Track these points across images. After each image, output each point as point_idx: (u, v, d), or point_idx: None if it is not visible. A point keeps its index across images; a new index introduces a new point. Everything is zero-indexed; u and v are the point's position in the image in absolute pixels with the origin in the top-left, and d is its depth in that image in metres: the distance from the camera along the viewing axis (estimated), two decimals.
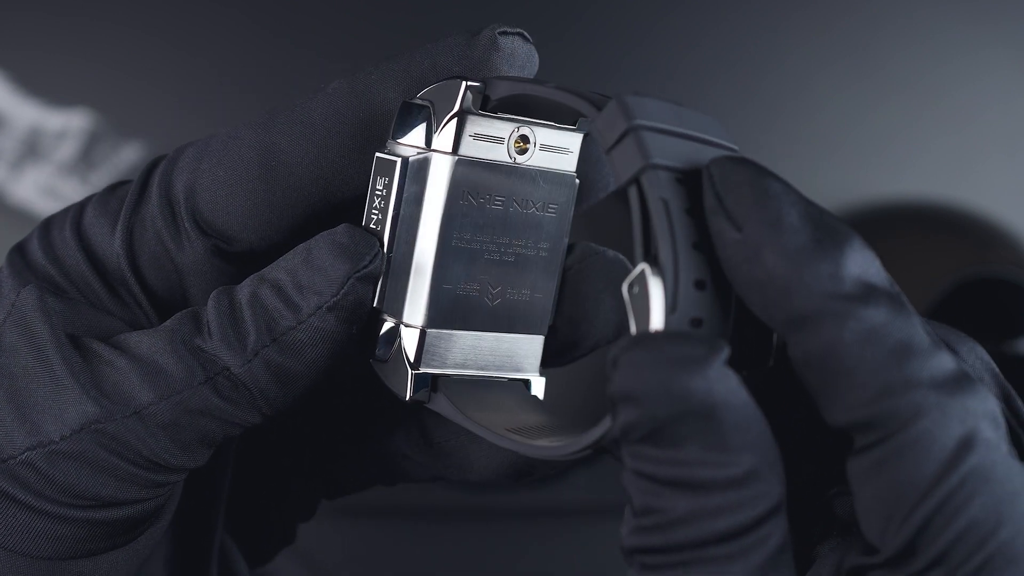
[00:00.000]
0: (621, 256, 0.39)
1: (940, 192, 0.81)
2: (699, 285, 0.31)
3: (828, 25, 0.81)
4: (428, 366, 0.36)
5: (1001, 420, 0.30)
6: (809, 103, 0.81)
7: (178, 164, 0.37)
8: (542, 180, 0.37)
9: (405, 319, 0.36)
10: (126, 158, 0.78)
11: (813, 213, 0.31)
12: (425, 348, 0.36)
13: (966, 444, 0.29)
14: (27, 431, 0.34)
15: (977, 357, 0.33)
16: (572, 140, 0.38)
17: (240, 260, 0.37)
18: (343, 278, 0.35)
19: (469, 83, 0.36)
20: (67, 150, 0.79)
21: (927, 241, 0.75)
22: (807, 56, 0.81)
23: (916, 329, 0.30)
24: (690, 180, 0.32)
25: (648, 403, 0.29)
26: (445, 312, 0.36)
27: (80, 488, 0.34)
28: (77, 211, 0.37)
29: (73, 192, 0.77)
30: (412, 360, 0.36)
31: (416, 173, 0.36)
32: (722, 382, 0.30)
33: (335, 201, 0.37)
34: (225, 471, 0.40)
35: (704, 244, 0.31)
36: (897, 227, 0.78)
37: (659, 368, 0.29)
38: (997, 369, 0.33)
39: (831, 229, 0.31)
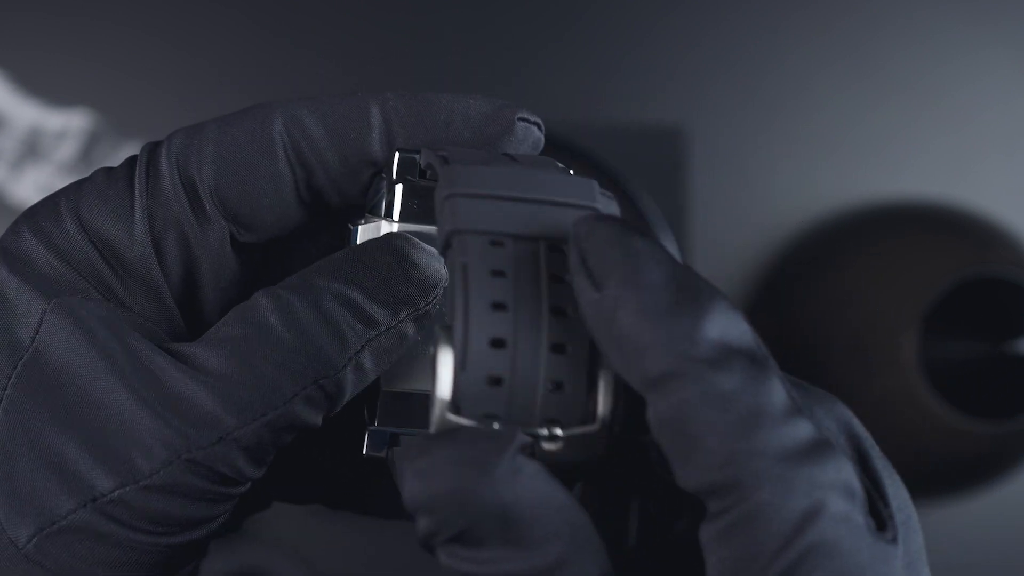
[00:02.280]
0: None
1: (940, 192, 0.81)
2: (496, 343, 0.30)
3: (828, 25, 0.81)
4: (384, 424, 0.36)
5: (858, 490, 0.30)
6: (809, 103, 0.81)
7: (194, 145, 0.36)
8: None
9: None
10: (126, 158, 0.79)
11: (679, 274, 0.31)
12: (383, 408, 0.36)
13: (810, 517, 0.29)
14: (113, 468, 0.33)
15: (835, 419, 0.32)
16: None
17: (248, 252, 0.37)
18: (435, 287, 0.35)
19: (402, 152, 0.36)
20: (67, 150, 0.79)
21: (927, 241, 0.74)
22: (807, 56, 0.81)
23: (771, 396, 0.30)
24: (521, 243, 0.31)
25: (440, 512, 0.30)
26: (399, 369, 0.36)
27: (172, 515, 0.34)
28: (70, 204, 0.36)
29: None
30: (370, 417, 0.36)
31: (363, 238, 0.36)
32: (511, 480, 0.30)
33: (348, 199, 0.37)
34: None
35: (550, 301, 0.31)
36: (897, 227, 0.78)
37: (445, 476, 0.30)
38: (859, 431, 0.33)
39: (695, 290, 0.30)
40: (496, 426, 0.30)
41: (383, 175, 0.36)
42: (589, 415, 0.31)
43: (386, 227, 0.36)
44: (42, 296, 0.34)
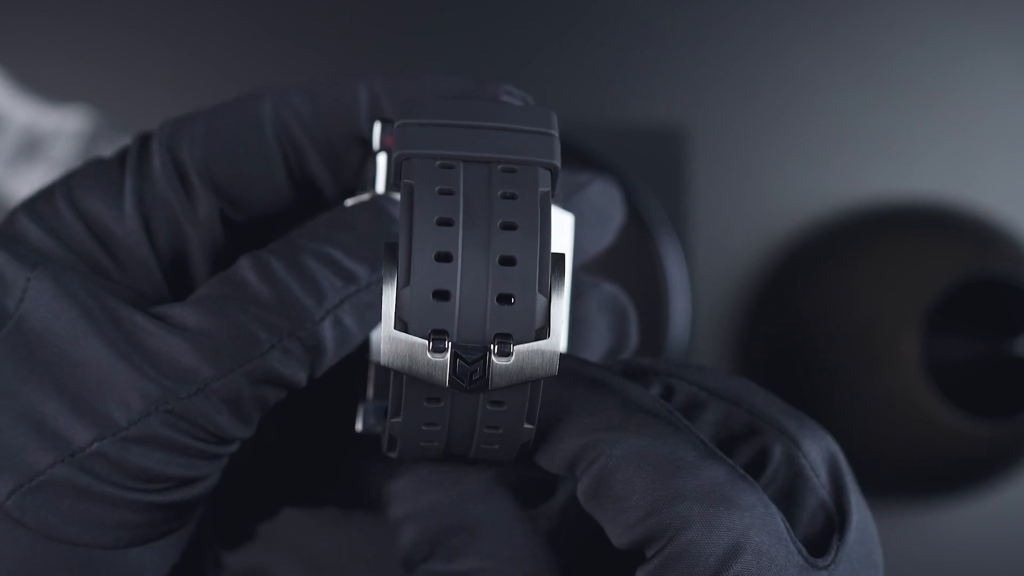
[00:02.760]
0: (617, 289, 0.40)
1: (942, 192, 0.81)
2: (442, 257, 0.30)
3: (829, 25, 0.81)
4: (377, 397, 0.36)
5: (779, 524, 0.32)
6: (810, 103, 0.81)
7: (183, 128, 0.36)
8: None
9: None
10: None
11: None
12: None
13: (733, 552, 0.31)
14: (92, 421, 0.33)
15: (821, 449, 0.34)
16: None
17: (236, 230, 0.37)
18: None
19: (383, 121, 0.36)
20: (65, 148, 0.79)
21: (929, 241, 0.75)
22: (808, 56, 0.81)
23: (683, 445, 0.32)
24: (473, 165, 0.31)
25: (421, 523, 0.33)
26: None
27: (153, 471, 0.33)
28: (64, 188, 0.36)
29: None
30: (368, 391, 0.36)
31: None
32: (485, 497, 0.33)
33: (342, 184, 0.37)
34: None
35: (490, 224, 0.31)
36: (898, 227, 0.78)
37: (426, 493, 0.33)
38: (842, 464, 0.34)
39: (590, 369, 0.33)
40: (446, 344, 0.30)
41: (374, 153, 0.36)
42: (543, 329, 0.30)
43: (367, 196, 0.36)
44: (29, 267, 0.34)
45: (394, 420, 0.31)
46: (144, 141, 0.36)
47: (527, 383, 0.30)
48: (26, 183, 0.78)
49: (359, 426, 0.36)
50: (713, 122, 0.80)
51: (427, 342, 0.30)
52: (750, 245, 0.80)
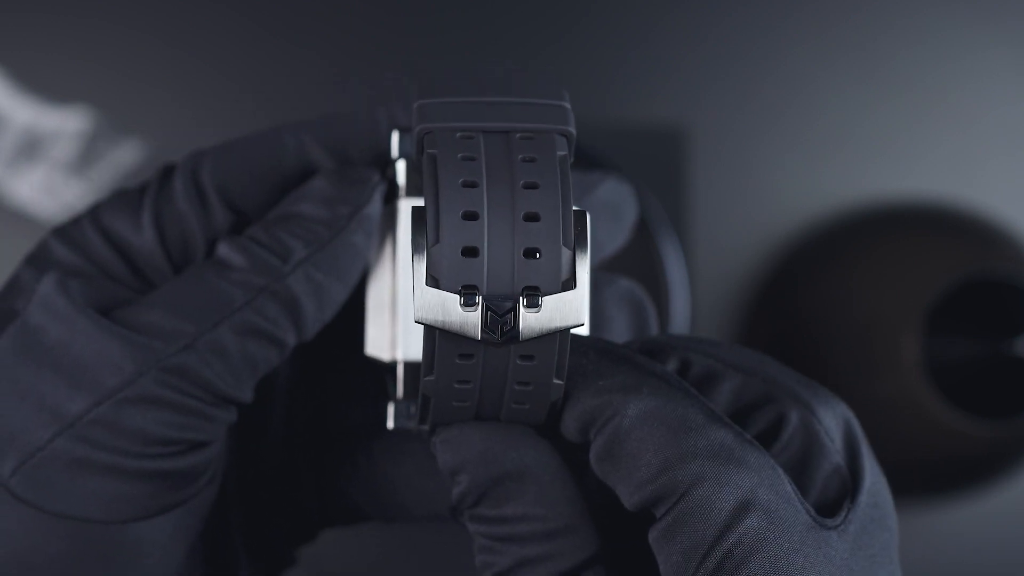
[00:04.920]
0: (633, 283, 0.41)
1: (942, 192, 0.81)
2: (469, 216, 0.31)
3: (829, 25, 0.81)
4: (407, 396, 0.37)
5: (785, 485, 0.33)
6: (810, 103, 0.81)
7: (207, 154, 0.38)
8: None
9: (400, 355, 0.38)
10: (125, 156, 0.78)
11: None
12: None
13: (743, 508, 0.32)
14: (86, 389, 0.35)
15: (836, 415, 0.35)
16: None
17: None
18: (370, 190, 0.37)
19: (401, 131, 0.38)
20: (66, 148, 0.79)
21: (929, 241, 0.74)
22: (808, 56, 0.81)
23: (692, 407, 0.33)
24: (492, 135, 0.33)
25: (471, 470, 0.34)
26: None
27: (150, 432, 0.35)
28: (90, 214, 0.38)
29: (73, 190, 0.77)
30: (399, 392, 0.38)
31: (387, 219, 0.38)
32: (531, 445, 0.34)
33: None
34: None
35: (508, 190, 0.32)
36: (899, 227, 0.78)
37: (473, 442, 0.34)
38: (856, 430, 0.35)
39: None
40: (477, 297, 0.31)
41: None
42: (569, 281, 0.31)
43: (403, 205, 0.37)
44: (41, 271, 0.37)
45: (427, 379, 0.33)
46: (168, 170, 0.38)
47: (555, 334, 0.32)
48: (26, 183, 0.78)
49: (390, 424, 0.37)
50: (713, 122, 0.80)
51: (459, 296, 0.31)
52: (750, 245, 0.80)
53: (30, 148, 0.79)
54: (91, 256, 0.37)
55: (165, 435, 0.35)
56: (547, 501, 0.34)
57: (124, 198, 0.38)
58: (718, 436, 0.33)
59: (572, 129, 0.33)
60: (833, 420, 0.35)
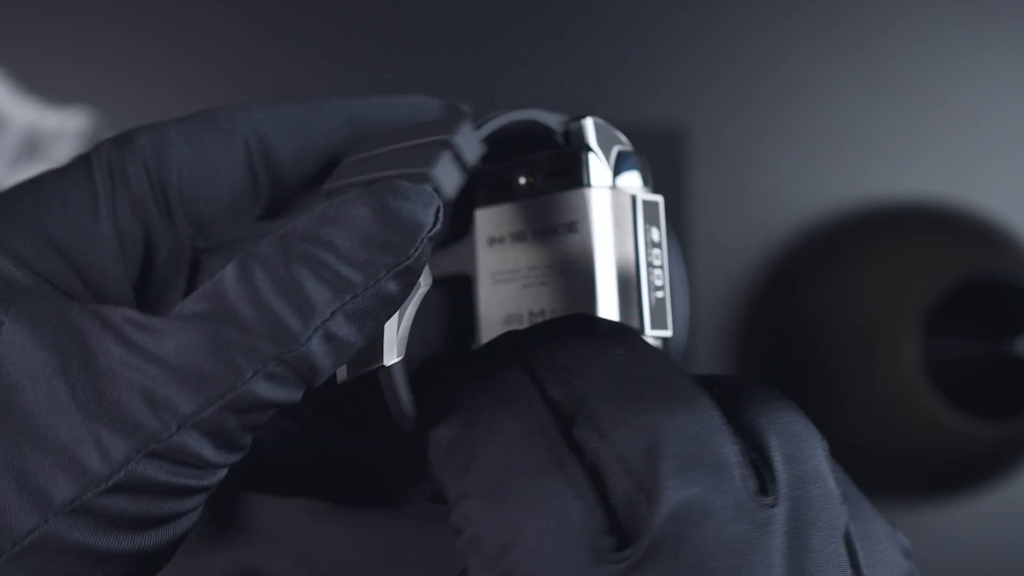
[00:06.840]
0: None
1: (942, 192, 0.81)
2: None
3: (829, 25, 0.81)
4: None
5: (734, 464, 0.31)
6: (810, 103, 0.81)
7: (166, 147, 0.36)
8: (555, 204, 0.39)
9: None
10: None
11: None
12: None
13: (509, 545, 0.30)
14: (73, 473, 0.31)
15: (634, 435, 0.32)
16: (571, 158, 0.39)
17: (197, 254, 0.37)
18: (419, 236, 0.32)
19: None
20: (66, 148, 0.79)
21: (929, 241, 0.74)
22: (808, 56, 0.81)
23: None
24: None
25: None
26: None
27: (139, 515, 0.32)
28: (33, 213, 0.35)
29: None
30: None
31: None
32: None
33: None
34: None
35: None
36: (899, 227, 0.78)
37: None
38: (661, 444, 0.31)
39: None
40: None
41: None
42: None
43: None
44: (4, 308, 0.32)
45: None
46: (115, 156, 0.36)
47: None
48: None
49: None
50: (713, 122, 0.80)
51: None
52: (750, 245, 0.80)
53: (31, 148, 0.79)
54: (41, 271, 0.34)
55: (155, 513, 0.32)
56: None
57: (68, 195, 0.35)
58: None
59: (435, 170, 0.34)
60: (633, 440, 0.31)
